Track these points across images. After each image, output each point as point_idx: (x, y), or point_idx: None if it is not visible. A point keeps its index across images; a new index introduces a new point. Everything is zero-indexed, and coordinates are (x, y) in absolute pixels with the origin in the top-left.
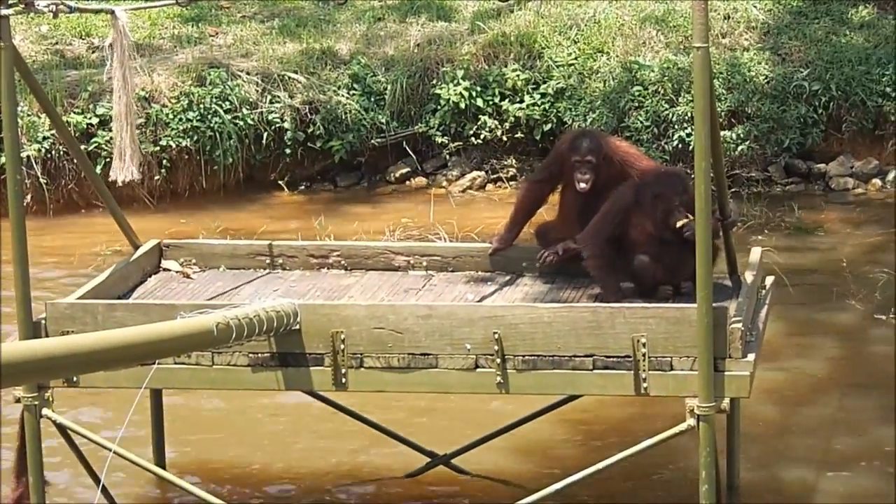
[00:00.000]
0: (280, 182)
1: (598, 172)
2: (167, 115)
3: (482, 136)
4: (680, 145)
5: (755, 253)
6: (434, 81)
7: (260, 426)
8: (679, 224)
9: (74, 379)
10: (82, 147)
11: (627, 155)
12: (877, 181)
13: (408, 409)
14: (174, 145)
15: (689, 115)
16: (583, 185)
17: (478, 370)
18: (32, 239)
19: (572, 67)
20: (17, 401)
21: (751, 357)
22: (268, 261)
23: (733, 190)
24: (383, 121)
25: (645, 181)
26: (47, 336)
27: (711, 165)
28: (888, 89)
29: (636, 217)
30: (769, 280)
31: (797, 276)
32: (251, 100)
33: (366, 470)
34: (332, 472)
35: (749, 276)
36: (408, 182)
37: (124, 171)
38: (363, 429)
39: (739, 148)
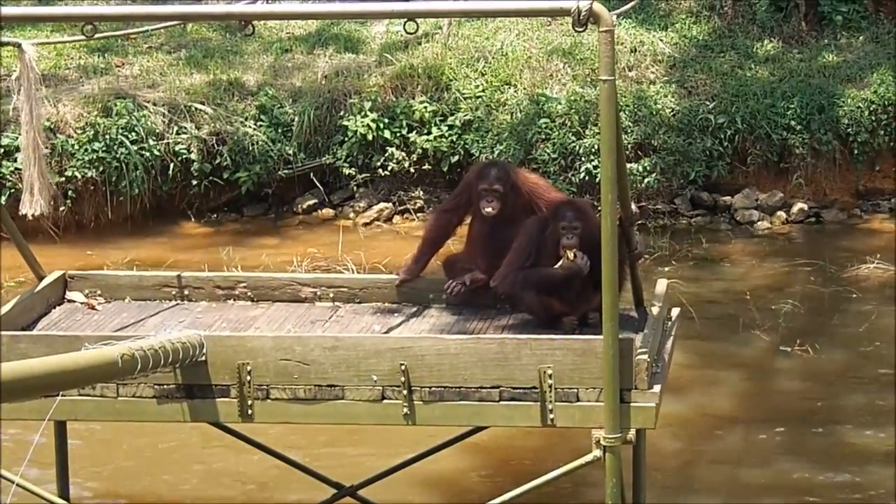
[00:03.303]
0: (188, 212)
1: (506, 202)
2: (73, 145)
3: (389, 168)
4: (587, 177)
5: (661, 284)
6: (341, 113)
7: (166, 457)
8: (567, 256)
9: None
10: None
11: (536, 187)
12: (781, 214)
13: (314, 440)
14: (80, 176)
15: (596, 147)
16: (488, 209)
17: (384, 401)
18: None
19: (480, 99)
20: None
21: (657, 388)
22: (174, 292)
23: (640, 222)
24: (290, 152)
25: (549, 215)
26: None
27: (618, 197)
28: (793, 122)
29: (542, 248)
30: (675, 311)
31: (703, 308)
32: (158, 131)
33: (274, 500)
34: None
35: (655, 308)
36: (315, 213)
37: (33, 204)
38: (269, 460)
39: (646, 180)
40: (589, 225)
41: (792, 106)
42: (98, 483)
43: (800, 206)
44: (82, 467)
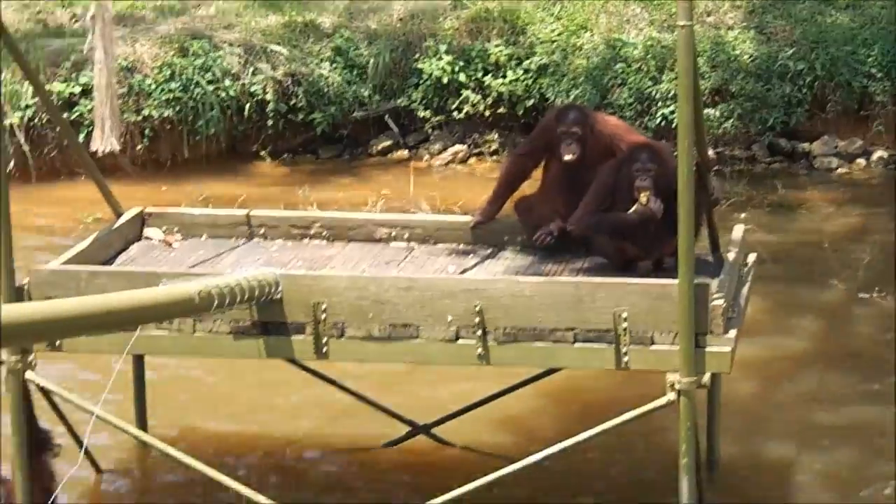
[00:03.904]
0: (262, 153)
1: (585, 145)
2: (149, 85)
3: (465, 111)
4: (663, 123)
5: (737, 230)
6: (417, 56)
7: (241, 392)
8: (641, 199)
9: (57, 343)
10: (65, 116)
11: (616, 129)
12: (861, 161)
13: (388, 379)
14: (156, 115)
15: (673, 92)
16: (568, 156)
17: (459, 342)
18: (15, 206)
19: (556, 44)
20: (0, 363)
21: (732, 333)
22: (249, 230)
23: (716, 168)
24: (366, 94)
25: (624, 157)
26: (31, 300)
27: (694, 143)
28: (873, 70)
29: (618, 192)
30: (751, 257)
31: (779, 254)
32: (233, 71)
33: (345, 438)
34: (312, 440)
35: (731, 254)
36: (390, 155)
37: (104, 141)
38: (343, 397)
39: (723, 126)
40: (665, 168)
41: (873, 53)
42: (174, 415)
43: (879, 153)
44: (159, 400)
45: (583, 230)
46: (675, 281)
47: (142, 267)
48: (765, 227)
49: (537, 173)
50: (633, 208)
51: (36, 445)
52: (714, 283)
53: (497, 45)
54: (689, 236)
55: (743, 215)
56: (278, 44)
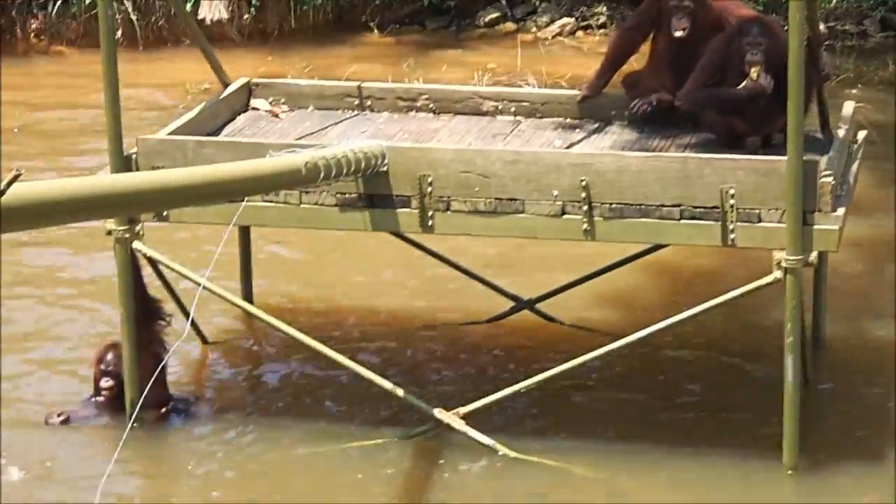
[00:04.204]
0: (370, 23)
1: (695, 19)
2: None
3: None
4: None
5: (847, 107)
6: None
7: (346, 266)
8: (751, 74)
9: (164, 214)
10: None
11: (726, 3)
12: None
13: (492, 254)
14: None
15: None
16: (679, 32)
17: (564, 216)
18: (123, 74)
19: None
20: (108, 234)
21: (840, 211)
22: (356, 102)
23: (827, 43)
24: None
25: (734, 31)
26: (138, 170)
27: (806, 17)
28: None
29: (728, 67)
30: (861, 135)
31: (890, 133)
32: None
33: (449, 312)
34: (415, 314)
35: (841, 131)
36: (497, 27)
37: (212, 9)
38: (447, 271)
39: (834, 0)
40: (775, 43)
41: None
42: (277, 288)
43: None
44: (262, 274)
45: (691, 105)
46: (784, 158)
47: (248, 138)
48: (875, 105)
49: (645, 47)
50: (743, 83)
51: (146, 315)
52: (823, 161)
53: None
54: (799, 112)
55: (853, 92)
56: None
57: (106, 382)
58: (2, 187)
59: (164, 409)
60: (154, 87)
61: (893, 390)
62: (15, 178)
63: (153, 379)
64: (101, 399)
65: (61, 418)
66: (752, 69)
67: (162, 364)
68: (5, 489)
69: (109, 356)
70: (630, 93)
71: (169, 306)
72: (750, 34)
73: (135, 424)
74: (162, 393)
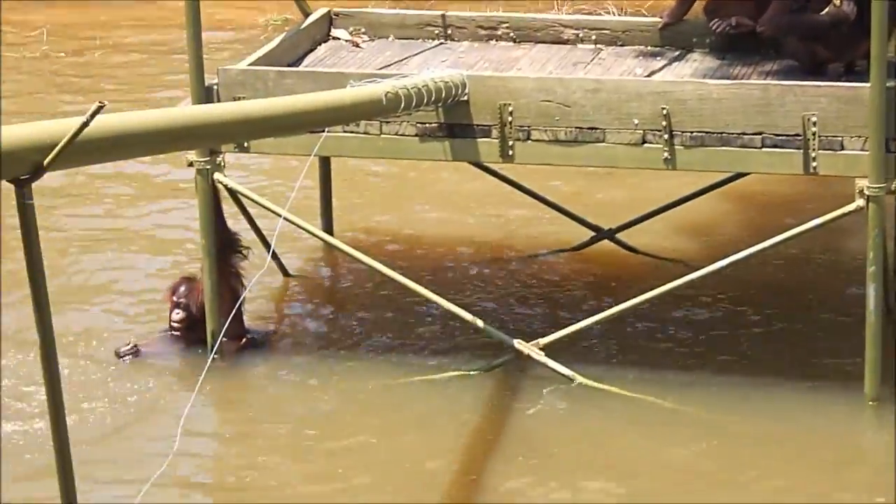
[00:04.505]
0: None
1: None
2: None
3: None
4: None
5: None
6: None
7: (423, 200)
8: (834, 2)
9: (245, 145)
10: None
11: None
12: None
13: (572, 183)
14: None
15: None
16: None
17: (645, 145)
18: (204, 6)
19: None
20: (190, 165)
21: None
22: (437, 31)
23: None
24: None
25: None
26: (219, 101)
27: None
28: None
29: None
30: None
31: None
32: None
33: (532, 242)
34: (499, 243)
35: None
36: None
37: None
38: (527, 201)
39: None
40: None
41: None
42: (357, 219)
43: None
44: (341, 205)
45: (773, 31)
46: (867, 84)
47: (329, 68)
48: None
49: None
50: (826, 9)
51: (224, 247)
52: None
53: None
54: (883, 39)
55: None
56: None
57: (177, 315)
58: (86, 118)
59: (243, 341)
60: (235, 18)
61: None
62: (99, 109)
63: (233, 312)
64: (173, 332)
65: (128, 349)
66: (841, 2)
67: (242, 297)
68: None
69: (182, 288)
70: (710, 19)
71: (249, 238)
72: None
73: (214, 356)
74: (240, 326)
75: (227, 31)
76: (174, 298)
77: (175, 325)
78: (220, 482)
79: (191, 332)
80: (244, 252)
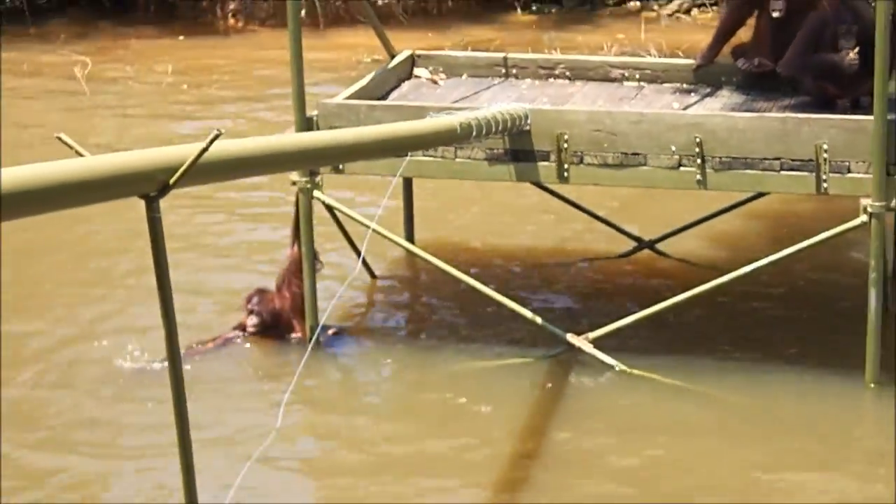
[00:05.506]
0: (515, 3)
1: (790, 1)
2: None
3: None
4: None
5: None
6: None
7: (489, 214)
8: (846, 51)
9: (340, 167)
10: None
11: None
12: None
13: (619, 200)
14: None
15: None
16: (776, 13)
17: (680, 169)
18: (306, 48)
19: None
20: (293, 184)
21: None
22: (503, 71)
23: None
24: None
25: (830, 15)
26: (318, 129)
27: None
28: None
29: (821, 42)
30: None
31: None
32: None
33: (583, 250)
34: (550, 254)
35: None
36: (624, 5)
37: None
38: (579, 216)
39: None
40: (863, 22)
41: None
42: (436, 231)
43: None
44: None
45: (791, 71)
46: (871, 117)
47: (412, 101)
48: None
49: (751, 22)
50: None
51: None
52: None
53: None
54: (884, 78)
55: None
56: None
57: (251, 320)
58: (206, 144)
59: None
60: (333, 59)
61: None
62: (216, 137)
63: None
64: (246, 334)
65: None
66: (847, 49)
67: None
68: None
69: (255, 299)
70: (737, 60)
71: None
72: (844, 23)
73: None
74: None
75: (326, 70)
76: (249, 306)
77: (251, 329)
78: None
79: (263, 336)
80: (319, 266)
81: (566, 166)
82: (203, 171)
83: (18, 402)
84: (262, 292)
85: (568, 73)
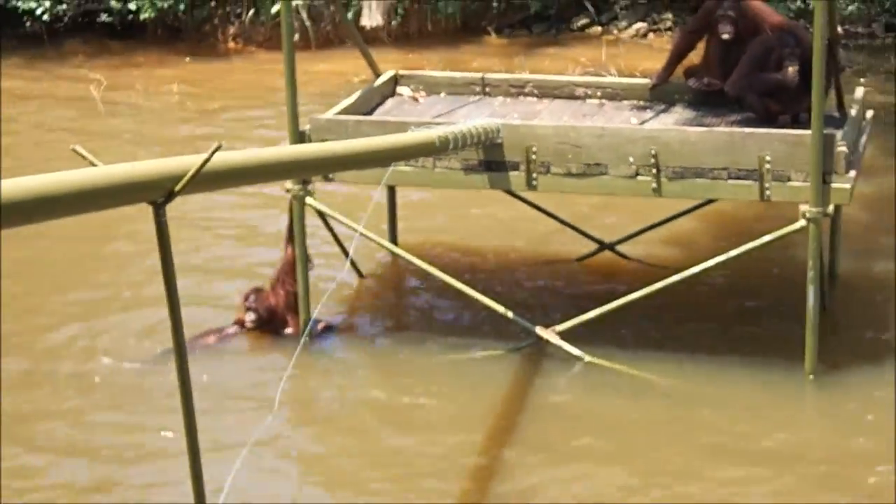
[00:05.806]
0: (489, 28)
1: (737, 25)
2: None
3: None
4: (802, 5)
5: (859, 91)
6: None
7: (463, 219)
8: (789, 71)
9: (330, 176)
10: None
11: (760, 11)
12: None
13: (581, 207)
14: None
15: None
16: (726, 35)
17: (638, 178)
18: (300, 69)
19: None
20: (287, 191)
21: (852, 173)
22: (478, 89)
23: (843, 42)
24: None
25: (771, 36)
26: (310, 142)
27: (827, 22)
28: None
29: (765, 63)
30: (869, 113)
31: (892, 112)
32: None
33: (548, 252)
34: (520, 255)
35: (853, 110)
36: (587, 30)
37: (371, 17)
38: (545, 221)
39: (849, 8)
40: (803, 45)
41: None
42: (417, 235)
43: None
44: (404, 224)
45: (737, 90)
46: (809, 132)
47: (395, 117)
48: (881, 90)
49: (701, 45)
50: (780, 73)
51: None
52: (839, 134)
53: None
54: (821, 96)
55: (863, 80)
56: None
57: (249, 317)
58: (208, 155)
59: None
60: (323, 78)
61: (893, 316)
62: (218, 149)
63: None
64: (242, 329)
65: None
66: (789, 70)
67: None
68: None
69: (252, 297)
70: (689, 80)
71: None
72: (788, 46)
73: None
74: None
75: (316, 87)
76: (246, 304)
77: (248, 324)
78: (314, 417)
79: (260, 332)
80: (310, 266)
81: (534, 175)
82: (206, 179)
83: (18, 403)
84: (258, 291)
85: (536, 92)
